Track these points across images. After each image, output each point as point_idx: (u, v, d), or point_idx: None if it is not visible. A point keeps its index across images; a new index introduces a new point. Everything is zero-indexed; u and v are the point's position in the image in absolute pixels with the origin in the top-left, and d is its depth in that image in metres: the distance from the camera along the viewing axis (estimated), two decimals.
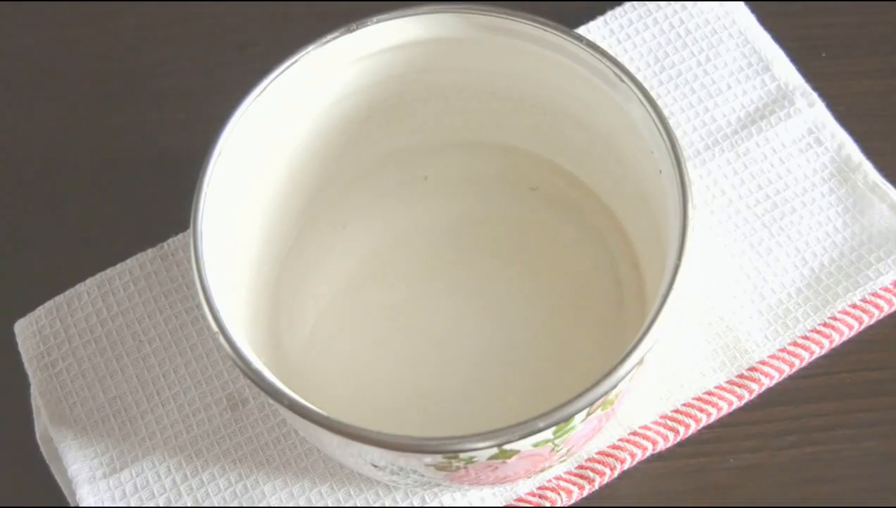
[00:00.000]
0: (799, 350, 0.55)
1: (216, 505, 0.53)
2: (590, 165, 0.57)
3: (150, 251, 0.60)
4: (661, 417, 0.53)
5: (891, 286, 0.56)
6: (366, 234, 0.58)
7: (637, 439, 0.53)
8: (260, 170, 0.52)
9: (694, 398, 0.54)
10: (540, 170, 0.58)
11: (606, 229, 0.57)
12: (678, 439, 0.53)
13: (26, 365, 0.57)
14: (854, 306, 0.55)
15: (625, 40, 0.63)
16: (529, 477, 0.51)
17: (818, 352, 0.55)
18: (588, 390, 0.41)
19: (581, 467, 0.52)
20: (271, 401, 0.44)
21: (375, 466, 0.45)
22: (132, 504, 0.53)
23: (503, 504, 0.52)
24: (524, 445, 0.42)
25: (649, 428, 0.53)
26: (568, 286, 0.56)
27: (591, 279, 0.56)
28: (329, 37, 0.50)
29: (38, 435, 0.56)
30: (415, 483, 0.48)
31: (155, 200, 0.63)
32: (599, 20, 0.64)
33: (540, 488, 0.52)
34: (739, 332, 0.55)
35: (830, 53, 0.65)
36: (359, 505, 0.52)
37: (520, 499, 0.52)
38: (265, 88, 0.50)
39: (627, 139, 0.50)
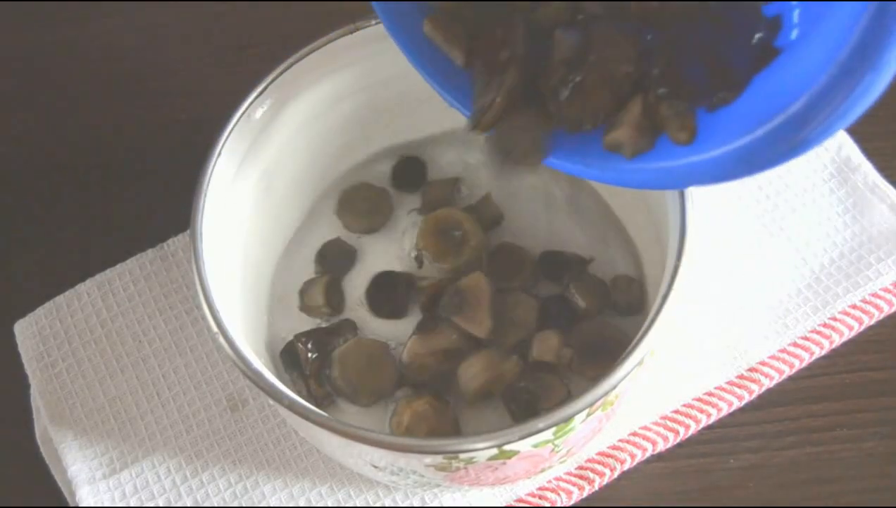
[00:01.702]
0: (799, 351, 0.55)
1: (216, 506, 0.53)
2: None
3: (150, 252, 0.60)
4: (661, 417, 0.53)
5: (891, 287, 0.56)
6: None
7: (637, 439, 0.53)
8: (260, 170, 0.52)
9: (694, 399, 0.54)
10: (541, 170, 0.58)
11: (607, 228, 0.57)
12: (678, 439, 0.53)
13: (26, 365, 0.57)
14: (854, 306, 0.55)
15: None
16: (529, 478, 0.51)
17: (818, 352, 0.55)
18: (588, 390, 0.41)
19: (581, 467, 0.52)
20: (271, 402, 0.44)
21: (375, 467, 0.45)
22: (132, 505, 0.53)
23: (503, 505, 0.52)
24: (524, 445, 0.42)
25: (649, 429, 0.53)
26: None
27: None
28: (329, 37, 0.50)
29: (38, 436, 0.56)
30: (415, 483, 0.48)
31: (155, 200, 0.63)
32: None
33: (540, 488, 0.52)
34: (739, 332, 0.55)
35: None
36: (359, 506, 0.52)
37: (520, 500, 0.52)
38: (265, 87, 0.50)
39: None
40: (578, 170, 0.44)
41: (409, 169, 0.59)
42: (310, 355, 0.51)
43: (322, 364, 0.51)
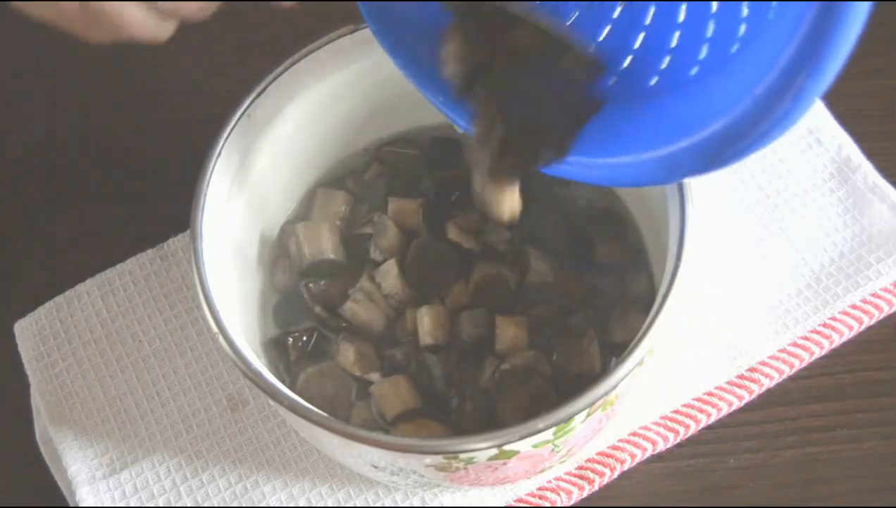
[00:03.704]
0: (799, 351, 0.55)
1: (217, 506, 0.53)
2: None
3: (150, 252, 0.60)
4: (661, 417, 0.53)
5: (890, 287, 0.56)
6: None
7: (637, 439, 0.53)
8: (260, 170, 0.52)
9: (694, 399, 0.54)
10: None
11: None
12: (678, 439, 0.53)
13: (26, 365, 0.57)
14: (854, 306, 0.55)
15: None
16: (529, 478, 0.51)
17: (818, 352, 0.55)
18: (588, 390, 0.41)
19: (581, 467, 0.52)
20: (271, 402, 0.44)
21: (375, 467, 0.45)
22: (132, 505, 0.53)
23: (503, 505, 0.52)
24: (524, 446, 0.42)
25: (649, 429, 0.53)
26: None
27: None
28: (329, 37, 0.50)
29: (38, 436, 0.56)
30: (415, 483, 0.48)
31: (155, 200, 0.63)
32: None
33: (540, 488, 0.52)
34: (739, 332, 0.55)
35: None
36: (359, 506, 0.52)
37: (520, 500, 0.52)
38: (265, 87, 0.50)
39: None
40: None
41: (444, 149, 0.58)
42: (290, 355, 0.52)
43: (297, 368, 0.52)
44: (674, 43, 0.42)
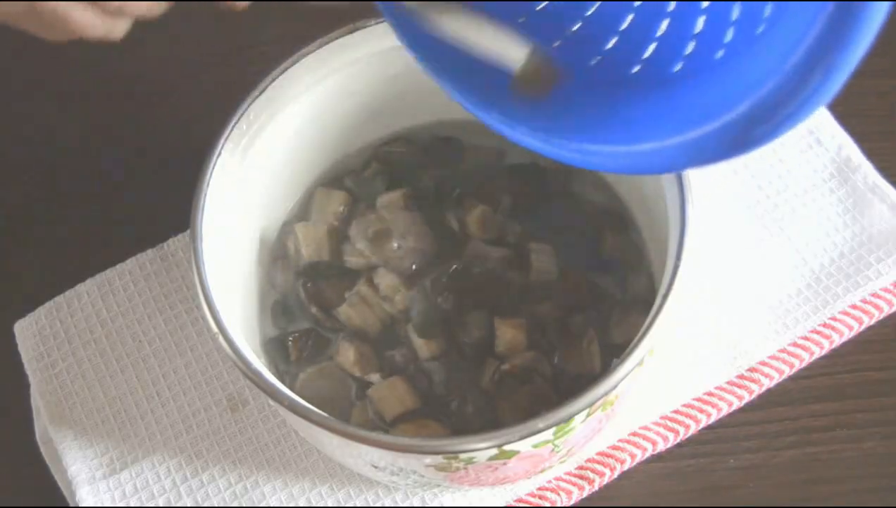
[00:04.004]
0: (799, 351, 0.54)
1: (216, 506, 0.53)
2: None
3: (150, 252, 0.60)
4: (661, 417, 0.53)
5: (890, 287, 0.56)
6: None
7: (637, 439, 0.53)
8: (259, 170, 0.52)
9: (694, 399, 0.54)
10: None
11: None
12: (678, 439, 0.53)
13: (26, 365, 0.57)
14: (854, 306, 0.55)
15: None
16: (529, 478, 0.51)
17: (818, 352, 0.55)
18: (588, 390, 0.41)
19: (581, 467, 0.52)
20: (271, 402, 0.44)
21: (375, 467, 0.45)
22: (132, 505, 0.53)
23: (503, 505, 0.52)
24: (524, 446, 0.42)
25: (649, 429, 0.53)
26: None
27: None
28: (329, 37, 0.50)
29: (38, 436, 0.56)
30: (415, 483, 0.48)
31: (155, 200, 0.63)
32: None
33: (540, 488, 0.52)
34: (739, 332, 0.55)
35: None
36: (359, 506, 0.52)
37: (520, 500, 0.52)
38: (265, 87, 0.50)
39: None
40: (530, 144, 0.44)
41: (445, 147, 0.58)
42: (291, 355, 0.52)
43: (297, 368, 0.52)
44: (698, 28, 0.41)
